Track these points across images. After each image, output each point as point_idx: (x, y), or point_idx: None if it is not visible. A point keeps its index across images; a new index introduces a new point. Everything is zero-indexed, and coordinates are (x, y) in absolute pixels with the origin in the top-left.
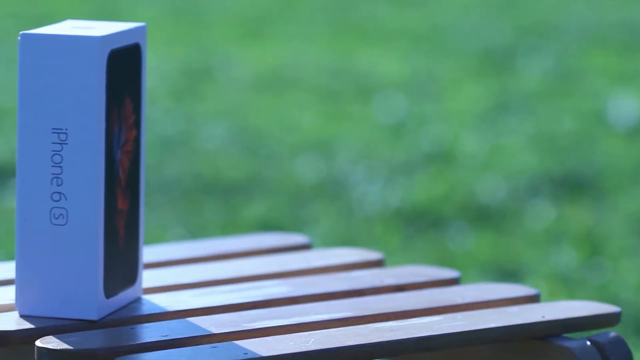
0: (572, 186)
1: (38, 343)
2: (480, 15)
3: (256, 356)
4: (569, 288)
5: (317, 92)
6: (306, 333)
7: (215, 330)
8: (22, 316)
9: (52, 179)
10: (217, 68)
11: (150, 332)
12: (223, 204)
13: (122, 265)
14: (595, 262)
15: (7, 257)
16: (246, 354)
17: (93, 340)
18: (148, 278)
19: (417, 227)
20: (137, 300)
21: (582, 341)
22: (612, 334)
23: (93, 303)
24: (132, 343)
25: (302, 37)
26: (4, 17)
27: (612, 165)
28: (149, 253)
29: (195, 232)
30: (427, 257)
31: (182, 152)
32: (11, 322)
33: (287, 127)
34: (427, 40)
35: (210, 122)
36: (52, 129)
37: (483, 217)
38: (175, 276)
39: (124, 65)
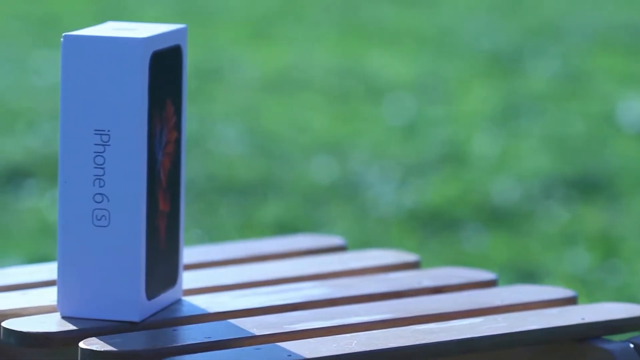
0: (585, 188)
1: (82, 344)
2: (485, 17)
3: (300, 358)
4: (586, 290)
5: (327, 93)
6: (348, 335)
7: (257, 332)
8: (63, 317)
9: (95, 180)
10: (226, 69)
11: (192, 334)
12: (238, 205)
13: (163, 266)
14: (611, 264)
15: (27, 258)
16: (290, 355)
17: (136, 341)
18: (187, 279)
19: (432, 229)
20: (178, 301)
21: (622, 343)
22: None
23: (135, 305)
24: (175, 345)
25: (308, 39)
26: (9, 17)
27: (625, 167)
28: (185, 255)
29: (212, 234)
30: (443, 258)
31: (196, 153)
32: (53, 323)
33: (299, 129)
34: (433, 42)
35: (222, 123)
36: (95, 130)
37: (497, 218)
38: (213, 278)
39: (165, 67)
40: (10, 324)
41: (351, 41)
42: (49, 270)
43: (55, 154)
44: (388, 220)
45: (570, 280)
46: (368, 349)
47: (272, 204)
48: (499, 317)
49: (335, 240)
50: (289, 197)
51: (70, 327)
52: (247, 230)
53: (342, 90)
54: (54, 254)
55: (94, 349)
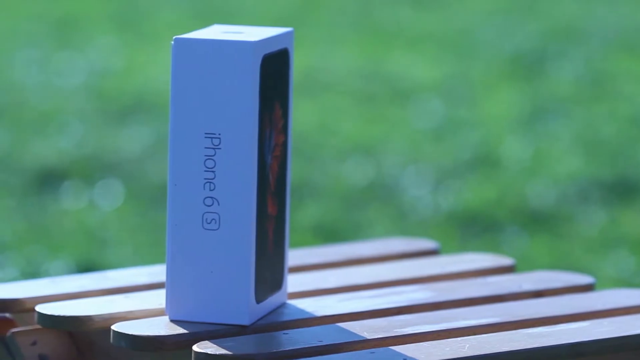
0: (622, 190)
1: (196, 348)
2: (502, 19)
3: None
4: None
5: (353, 96)
6: (459, 339)
7: (368, 336)
8: (172, 321)
9: (205, 183)
10: None
11: (305, 338)
12: None
13: (270, 270)
14: None
15: (75, 263)
16: (405, 359)
17: (250, 345)
18: (289, 283)
19: (472, 231)
20: (283, 305)
21: None
22: None
23: (245, 308)
24: (289, 348)
25: (328, 41)
26: (27, 19)
27: None
28: None
29: None
30: None
31: None
32: (163, 326)
33: (329, 131)
34: (454, 44)
35: None
36: (205, 133)
37: (536, 221)
38: (314, 281)
39: (274, 70)
40: (120, 327)
41: (371, 43)
42: (148, 274)
43: (88, 155)
44: (427, 223)
45: (616, 284)
46: (481, 353)
47: (309, 206)
48: (605, 321)
49: (428, 244)
50: (326, 199)
51: (181, 330)
52: (290, 233)
53: (368, 92)
54: (101, 257)
55: (209, 352)
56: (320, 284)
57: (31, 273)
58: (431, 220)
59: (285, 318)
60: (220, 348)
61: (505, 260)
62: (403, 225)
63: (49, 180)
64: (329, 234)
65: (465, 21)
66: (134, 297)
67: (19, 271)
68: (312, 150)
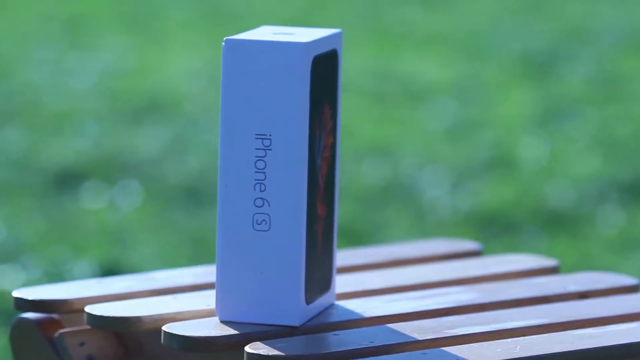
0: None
1: (248, 349)
2: (512, 20)
3: None
4: None
5: (365, 96)
6: (510, 340)
7: (419, 337)
8: (222, 322)
9: (255, 184)
10: None
11: (356, 339)
12: None
13: (319, 271)
14: None
15: (98, 264)
16: None
17: (301, 346)
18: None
19: (491, 232)
20: (331, 306)
21: None
22: None
23: (295, 309)
24: (341, 349)
25: None
26: (37, 19)
27: None
28: None
29: None
30: None
31: None
32: (213, 327)
33: (344, 132)
34: (464, 45)
35: None
36: (256, 134)
37: (555, 222)
38: (360, 282)
39: (323, 71)
40: (171, 328)
41: (381, 44)
42: (193, 275)
43: (105, 155)
44: (445, 224)
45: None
46: (534, 354)
47: None
48: None
49: (471, 245)
50: (345, 200)
51: (231, 331)
52: None
53: (380, 93)
54: (123, 258)
55: (262, 353)
56: (366, 285)
57: (55, 274)
58: (450, 221)
59: (335, 319)
60: (272, 349)
61: (549, 262)
62: (422, 226)
63: (67, 180)
64: (348, 235)
65: (475, 22)
66: (181, 298)
67: (42, 272)
68: None
